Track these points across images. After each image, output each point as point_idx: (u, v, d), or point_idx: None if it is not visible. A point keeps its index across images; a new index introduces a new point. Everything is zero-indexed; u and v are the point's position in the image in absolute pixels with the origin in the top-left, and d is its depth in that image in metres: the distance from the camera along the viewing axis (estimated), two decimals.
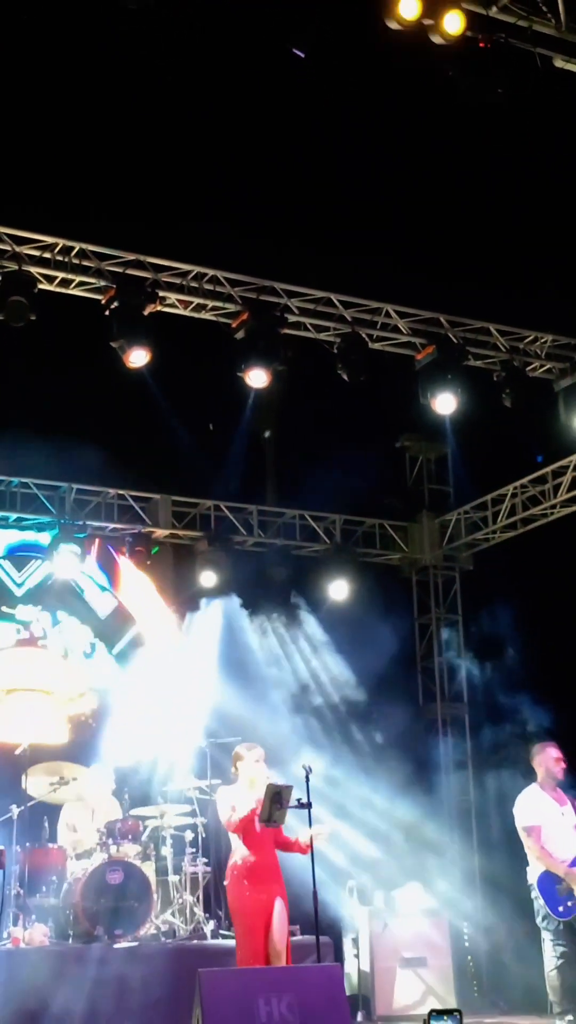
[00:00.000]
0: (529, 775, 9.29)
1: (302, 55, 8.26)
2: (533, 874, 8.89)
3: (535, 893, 8.85)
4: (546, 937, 8.81)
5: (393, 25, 8.16)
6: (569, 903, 8.70)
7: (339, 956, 11.28)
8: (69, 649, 13.61)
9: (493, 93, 8.64)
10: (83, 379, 11.54)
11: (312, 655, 13.91)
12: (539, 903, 8.82)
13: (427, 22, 8.23)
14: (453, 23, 8.28)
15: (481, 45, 8.58)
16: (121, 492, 13.73)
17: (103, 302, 10.81)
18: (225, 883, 8.23)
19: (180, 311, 11.27)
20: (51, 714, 13.17)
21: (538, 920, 8.88)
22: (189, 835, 10.95)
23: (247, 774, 8.24)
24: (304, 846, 8.05)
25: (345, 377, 11.56)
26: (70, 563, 13.00)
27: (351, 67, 9.07)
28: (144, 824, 10.98)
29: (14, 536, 13.49)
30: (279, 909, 7.95)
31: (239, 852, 8.10)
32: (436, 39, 8.34)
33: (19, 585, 13.54)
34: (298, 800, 7.99)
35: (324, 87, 10.08)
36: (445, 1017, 6.37)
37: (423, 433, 14.52)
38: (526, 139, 10.14)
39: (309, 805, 8.07)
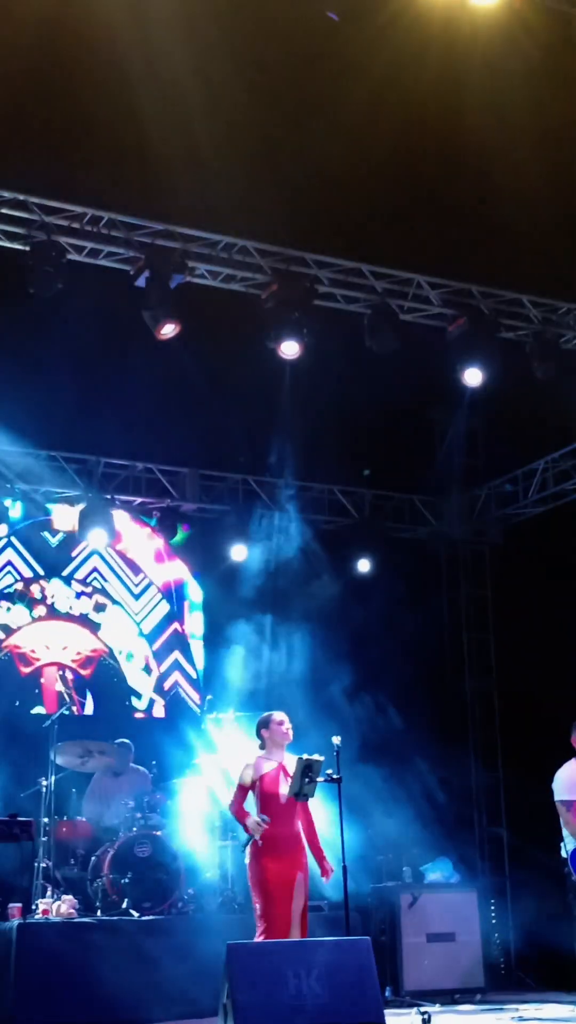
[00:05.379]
0: (564, 751, 9.18)
1: (335, 18, 8.14)
2: (567, 849, 8.81)
3: (568, 868, 8.78)
4: None
5: None
6: None
7: (368, 931, 11.24)
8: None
9: (529, 57, 8.51)
10: (111, 351, 11.47)
11: (343, 631, 13.81)
12: (573, 879, 8.74)
13: None
14: None
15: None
16: (149, 466, 13.68)
17: (132, 273, 10.73)
18: (245, 858, 8.09)
19: (210, 281, 11.17)
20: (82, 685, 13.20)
21: (570, 896, 8.81)
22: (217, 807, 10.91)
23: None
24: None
25: (375, 349, 11.43)
26: (99, 538, 13.01)
27: (383, 31, 8.91)
28: (172, 797, 10.95)
29: None
30: (300, 882, 7.88)
31: None
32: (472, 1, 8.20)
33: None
34: (328, 774, 7.93)
35: (355, 53, 9.93)
36: None
37: (453, 406, 14.37)
38: (561, 105, 9.96)
39: (339, 780, 8.00)
